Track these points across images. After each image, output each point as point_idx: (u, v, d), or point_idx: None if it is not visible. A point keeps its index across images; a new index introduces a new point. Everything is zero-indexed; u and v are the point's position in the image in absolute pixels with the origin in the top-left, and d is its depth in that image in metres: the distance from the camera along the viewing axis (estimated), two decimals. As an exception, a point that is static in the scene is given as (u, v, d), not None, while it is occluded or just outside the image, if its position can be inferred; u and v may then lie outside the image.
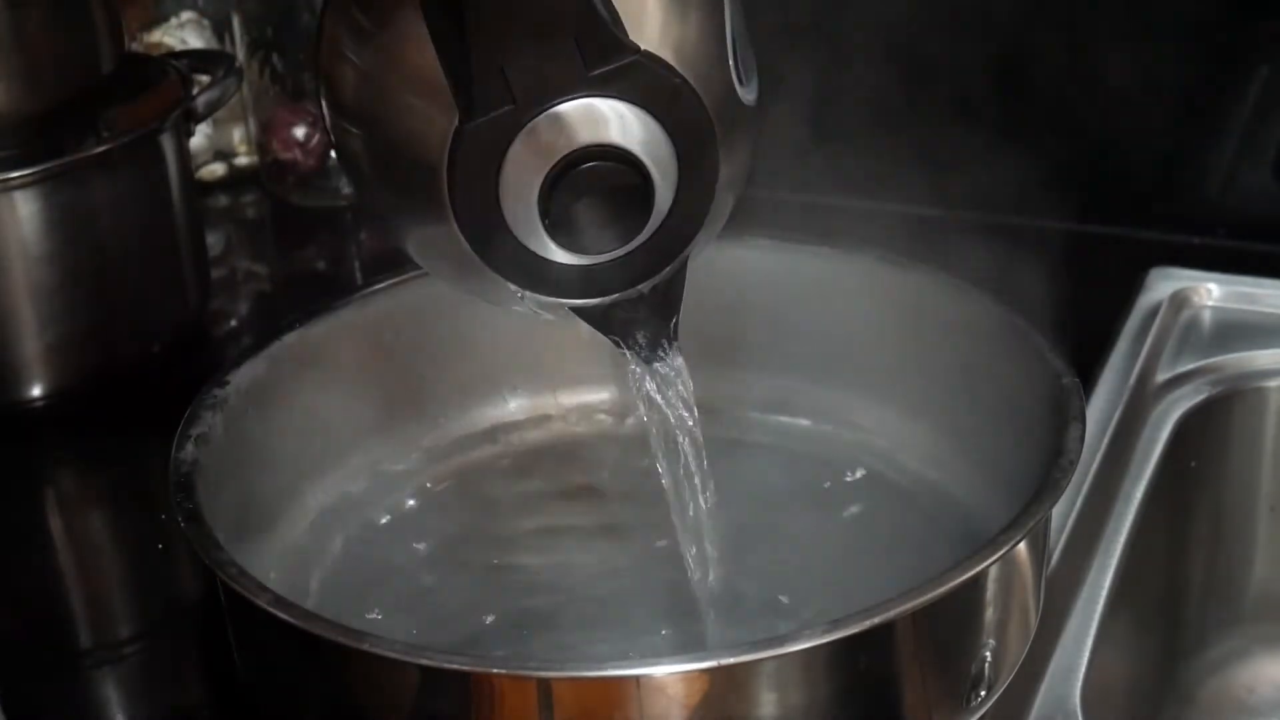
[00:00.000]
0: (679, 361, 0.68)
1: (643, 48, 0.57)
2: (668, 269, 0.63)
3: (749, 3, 0.63)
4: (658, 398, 0.68)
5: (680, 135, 0.59)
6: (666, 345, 0.67)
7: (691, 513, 0.70)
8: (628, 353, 0.67)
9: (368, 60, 0.61)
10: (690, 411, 0.69)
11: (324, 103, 0.63)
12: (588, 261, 0.60)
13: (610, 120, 0.57)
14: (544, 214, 0.58)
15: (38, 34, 0.92)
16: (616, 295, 0.63)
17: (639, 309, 0.65)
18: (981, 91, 1.00)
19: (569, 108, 0.57)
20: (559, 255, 0.60)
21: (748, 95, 0.62)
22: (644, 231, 0.60)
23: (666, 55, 0.58)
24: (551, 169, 0.57)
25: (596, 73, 0.56)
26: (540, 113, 0.57)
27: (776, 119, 0.96)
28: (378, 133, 0.61)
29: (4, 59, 0.91)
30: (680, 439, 0.69)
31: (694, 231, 0.61)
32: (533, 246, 0.59)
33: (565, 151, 0.57)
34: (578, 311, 0.64)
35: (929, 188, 0.99)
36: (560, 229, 0.59)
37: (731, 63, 0.60)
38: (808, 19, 1.04)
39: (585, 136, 0.57)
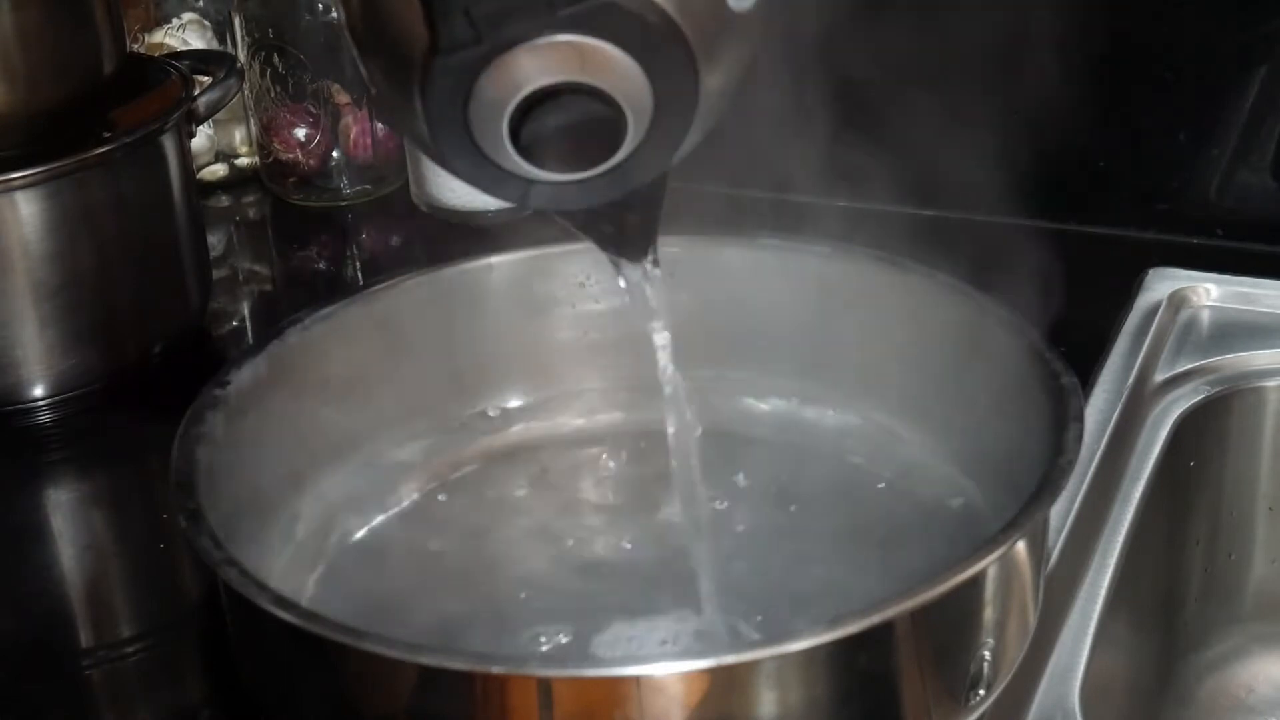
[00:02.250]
0: (657, 273, 0.68)
1: None
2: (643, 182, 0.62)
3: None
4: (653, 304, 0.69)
5: (655, 69, 0.57)
6: (646, 249, 0.67)
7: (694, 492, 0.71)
8: (615, 259, 0.67)
9: None
10: (662, 323, 0.70)
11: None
12: (560, 180, 0.60)
13: (578, 59, 0.56)
14: (514, 141, 0.57)
15: (40, 35, 0.92)
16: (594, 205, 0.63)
17: (619, 212, 0.64)
18: (980, 91, 1.00)
19: (534, 46, 0.56)
20: (533, 173, 0.59)
21: (741, 2, 0.60)
22: (618, 155, 0.59)
23: None
24: (519, 102, 0.56)
25: (563, 13, 0.55)
26: (503, 52, 0.56)
27: (776, 121, 0.96)
28: (374, 40, 0.61)
29: (6, 59, 0.91)
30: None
31: (672, 151, 0.60)
32: (507, 167, 0.59)
33: (531, 87, 0.56)
34: (555, 212, 0.64)
35: (928, 188, 0.99)
36: (531, 155, 0.58)
37: None
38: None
39: (551, 74, 0.56)
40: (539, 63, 0.56)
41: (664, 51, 0.57)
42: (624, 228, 0.66)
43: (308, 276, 1.18)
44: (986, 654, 0.64)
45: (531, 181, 0.59)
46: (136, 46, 1.21)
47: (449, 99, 0.57)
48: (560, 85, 0.56)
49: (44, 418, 0.96)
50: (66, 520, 0.91)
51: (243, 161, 1.27)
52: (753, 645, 0.58)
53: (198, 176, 1.18)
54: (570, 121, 0.57)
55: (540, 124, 0.57)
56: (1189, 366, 0.91)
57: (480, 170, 0.59)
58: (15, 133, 0.92)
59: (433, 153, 0.61)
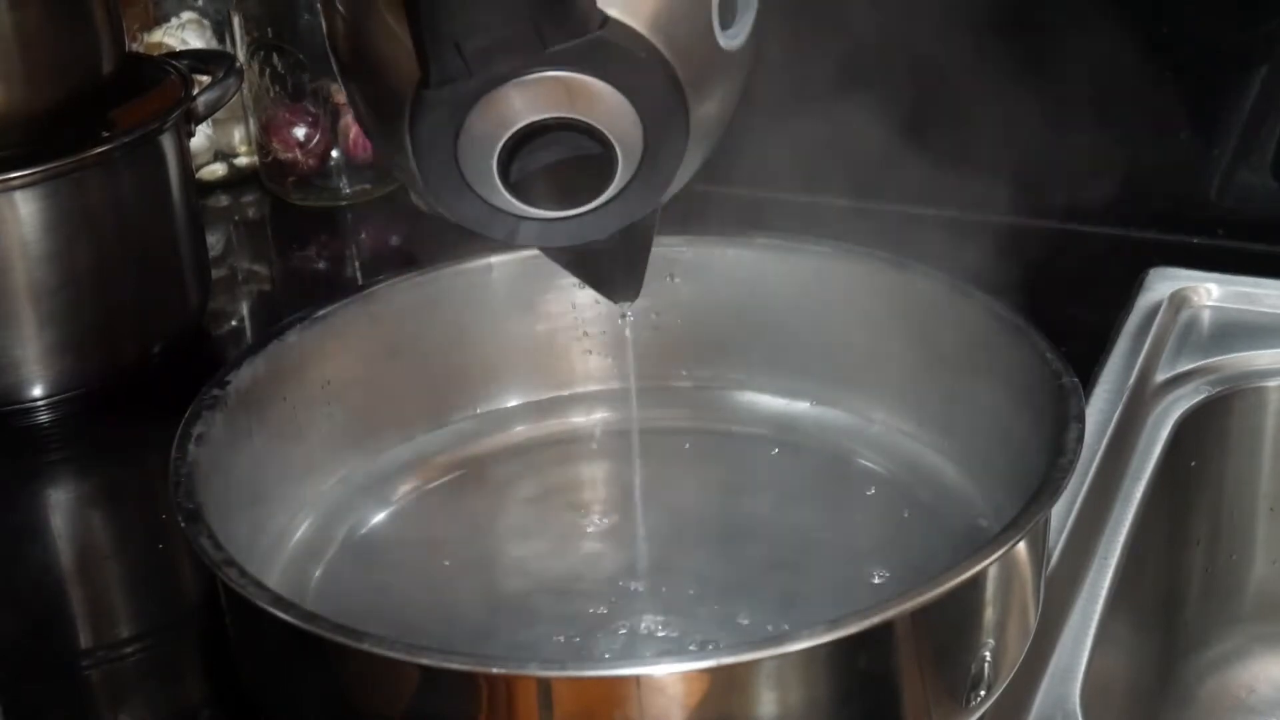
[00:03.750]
0: (628, 307, 0.68)
1: (611, 14, 0.56)
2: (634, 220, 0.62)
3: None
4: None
5: (645, 105, 0.58)
6: (633, 292, 0.67)
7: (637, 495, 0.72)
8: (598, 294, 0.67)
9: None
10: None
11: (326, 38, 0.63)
12: (550, 216, 0.60)
13: (569, 95, 0.56)
14: (504, 177, 0.58)
15: (39, 34, 0.92)
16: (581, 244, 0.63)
17: (606, 251, 0.64)
18: (981, 91, 1.00)
19: (525, 82, 0.56)
20: (521, 211, 0.59)
21: (732, 40, 0.61)
22: (607, 193, 0.59)
23: (640, 6, 0.57)
24: (510, 137, 0.57)
25: (554, 49, 0.56)
26: (494, 87, 0.56)
27: (780, 119, 0.96)
28: (361, 67, 0.61)
29: (5, 59, 0.91)
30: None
31: (662, 189, 0.60)
32: (495, 204, 0.59)
33: (522, 123, 0.57)
34: (543, 251, 0.64)
35: (929, 187, 0.99)
36: (520, 191, 0.58)
37: (715, 5, 0.60)
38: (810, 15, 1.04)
39: (542, 110, 0.56)
40: (530, 98, 0.56)
41: (655, 88, 0.58)
42: (612, 269, 0.66)
43: (307, 276, 1.18)
44: (987, 654, 0.64)
45: (520, 218, 0.59)
46: (135, 46, 1.21)
47: (439, 133, 0.57)
48: (551, 121, 0.57)
49: (43, 418, 0.95)
50: (66, 520, 0.91)
51: (242, 161, 1.26)
52: (753, 645, 0.58)
53: (197, 176, 1.18)
54: (560, 158, 0.57)
55: (530, 160, 0.57)
56: (1190, 366, 0.91)
57: (468, 206, 0.59)
58: (14, 132, 0.92)
59: (418, 186, 0.61)
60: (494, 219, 0.59)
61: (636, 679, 0.57)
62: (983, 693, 0.64)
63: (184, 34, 1.25)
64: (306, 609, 0.60)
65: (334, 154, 1.21)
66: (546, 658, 0.68)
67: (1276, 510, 0.91)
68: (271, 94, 1.20)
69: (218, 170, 1.26)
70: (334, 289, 1.02)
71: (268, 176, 1.23)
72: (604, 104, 0.57)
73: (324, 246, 1.20)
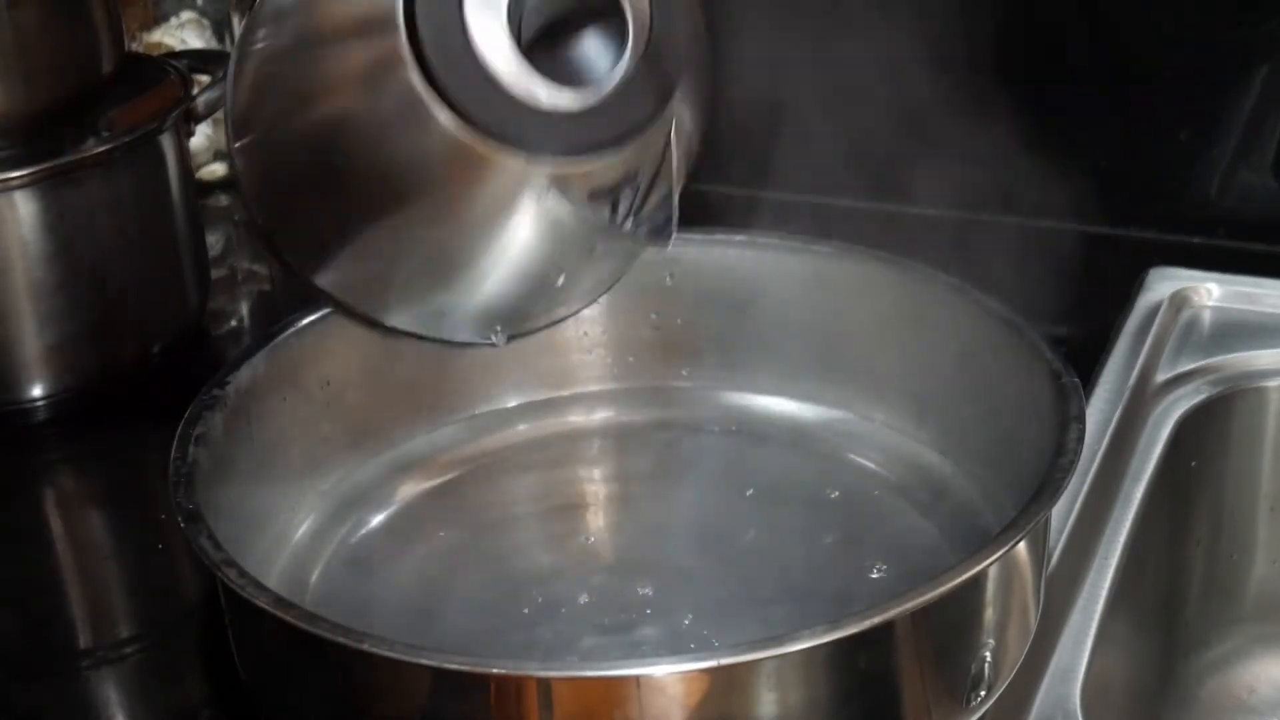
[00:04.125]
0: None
1: None
2: (649, 125, 0.60)
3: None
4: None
5: None
6: (666, 228, 0.66)
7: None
8: (638, 234, 0.67)
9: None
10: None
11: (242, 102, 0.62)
12: (560, 106, 0.58)
13: None
14: (516, 35, 0.56)
15: (38, 34, 0.92)
16: (603, 152, 0.61)
17: (634, 182, 0.64)
18: (980, 91, 1.00)
19: None
20: (530, 92, 0.57)
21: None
22: (620, 69, 0.58)
23: None
24: None
25: None
26: None
27: (782, 119, 0.96)
28: (318, 41, 0.60)
29: (4, 59, 0.91)
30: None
31: (674, 77, 0.59)
32: (503, 78, 0.57)
33: None
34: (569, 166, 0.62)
35: (929, 188, 0.99)
36: (534, 50, 0.56)
37: None
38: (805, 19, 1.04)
39: None
40: None
41: None
42: (644, 206, 0.65)
43: (307, 276, 1.17)
44: (987, 655, 0.64)
45: (530, 112, 0.57)
46: (135, 46, 1.21)
47: None
48: None
49: (43, 417, 0.95)
50: (66, 520, 0.91)
51: (242, 161, 1.26)
52: (753, 645, 0.58)
53: (196, 176, 1.18)
54: (571, 10, 0.56)
55: (539, 13, 0.55)
56: (1190, 366, 0.90)
57: (478, 92, 0.56)
58: (14, 132, 0.92)
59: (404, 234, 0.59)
60: (506, 110, 0.57)
61: (636, 679, 0.57)
62: (983, 693, 0.64)
63: (183, 34, 1.25)
64: (307, 609, 0.60)
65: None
66: (546, 658, 0.68)
67: (1277, 510, 0.91)
68: (271, 94, 1.19)
69: (217, 170, 1.26)
70: (334, 289, 1.02)
71: (267, 176, 1.23)
72: None
73: (324, 246, 1.20)
